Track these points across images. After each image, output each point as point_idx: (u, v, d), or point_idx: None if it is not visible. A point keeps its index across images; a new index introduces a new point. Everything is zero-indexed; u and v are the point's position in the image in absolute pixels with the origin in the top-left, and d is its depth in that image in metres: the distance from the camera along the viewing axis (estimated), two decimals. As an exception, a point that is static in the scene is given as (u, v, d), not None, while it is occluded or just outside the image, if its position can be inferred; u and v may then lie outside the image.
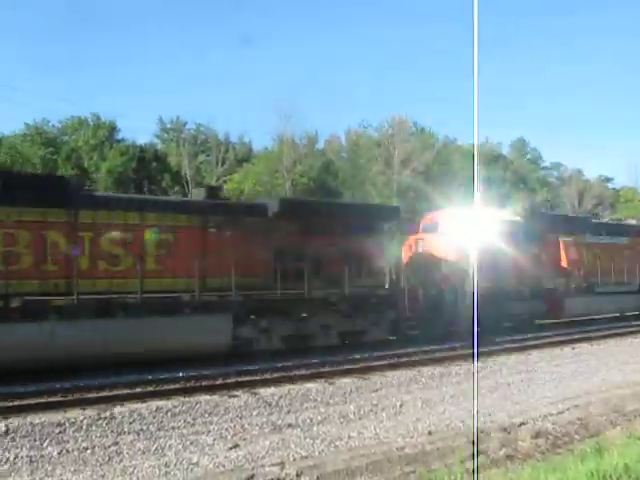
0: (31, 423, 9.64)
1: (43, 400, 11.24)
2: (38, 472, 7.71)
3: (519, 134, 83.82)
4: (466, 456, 8.24)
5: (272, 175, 50.75)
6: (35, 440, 8.93)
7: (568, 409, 11.22)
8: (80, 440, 8.99)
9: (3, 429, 9.28)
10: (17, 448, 8.58)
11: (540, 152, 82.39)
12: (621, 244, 28.20)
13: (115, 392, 12.00)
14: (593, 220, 32.00)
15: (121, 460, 8.18)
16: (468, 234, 19.89)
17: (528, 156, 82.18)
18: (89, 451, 8.51)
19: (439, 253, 21.21)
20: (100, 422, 9.83)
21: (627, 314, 28.52)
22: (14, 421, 9.73)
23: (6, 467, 7.90)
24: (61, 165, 45.04)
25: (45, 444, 8.78)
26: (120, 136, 51.97)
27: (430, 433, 9.56)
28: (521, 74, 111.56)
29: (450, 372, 14.80)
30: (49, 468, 7.85)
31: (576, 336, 21.30)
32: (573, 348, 18.98)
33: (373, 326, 18.75)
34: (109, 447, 8.69)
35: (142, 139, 64.58)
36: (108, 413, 10.31)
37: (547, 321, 25.38)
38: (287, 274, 16.89)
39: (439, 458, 8.45)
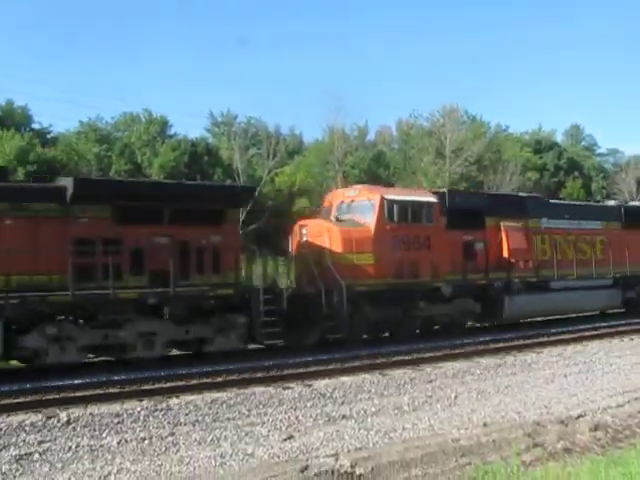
0: (91, 414, 9.89)
1: (102, 391, 11.53)
2: (98, 461, 7.90)
3: (574, 121, 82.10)
4: (523, 448, 8.11)
5: (323, 167, 50.75)
6: (95, 430, 9.16)
7: (628, 402, 10.94)
8: (138, 430, 9.18)
9: (65, 419, 9.54)
10: (78, 437, 8.82)
11: (595, 139, 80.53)
12: (594, 230, 23.41)
13: (171, 384, 12.21)
14: (553, 201, 26.50)
15: (178, 450, 8.32)
16: (362, 218, 17.65)
17: (583, 143, 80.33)
18: (147, 441, 8.67)
19: (323, 242, 17.06)
20: (157, 413, 10.01)
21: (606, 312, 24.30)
22: (75, 411, 9.99)
23: (69, 455, 8.12)
24: (115, 161, 45.89)
25: (104, 434, 9.00)
26: (172, 131, 52.74)
27: (485, 425, 9.44)
28: (577, 59, 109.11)
29: (505, 363, 14.60)
30: (109, 457, 8.04)
31: (637, 327, 20.60)
32: (632, 339, 18.48)
33: (218, 334, 15.04)
34: (166, 437, 8.84)
35: (193, 133, 65.50)
36: (164, 404, 10.50)
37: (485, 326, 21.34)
38: (90, 271, 13.81)
39: (495, 450, 8.34)
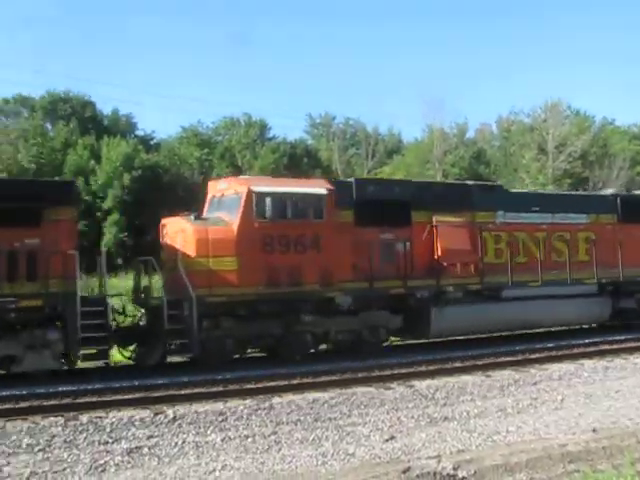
0: (196, 411, 10.19)
1: (205, 390, 11.85)
2: (203, 457, 8.11)
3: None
4: (637, 457, 7.71)
5: (422, 166, 50.32)
6: (200, 427, 9.41)
7: None
8: (241, 428, 9.36)
9: (171, 416, 9.87)
10: (184, 434, 9.09)
11: None
12: (576, 224, 19.03)
13: (273, 383, 12.39)
14: (516, 191, 22.50)
15: (280, 449, 8.42)
16: (228, 215, 14.73)
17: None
18: (250, 439, 8.83)
19: (177, 244, 14.55)
20: (259, 412, 10.18)
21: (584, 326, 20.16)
22: (180, 409, 10.33)
23: (175, 450, 8.38)
24: (216, 164, 47.20)
25: (209, 431, 9.23)
26: (271, 134, 53.78)
27: (594, 430, 9.05)
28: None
29: (614, 365, 13.96)
30: (213, 454, 8.24)
31: None
32: None
33: (29, 352, 12.81)
34: (268, 436, 8.97)
35: (292, 135, 66.52)
36: (267, 404, 10.67)
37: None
38: None
39: (606, 458, 7.96)
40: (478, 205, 17.56)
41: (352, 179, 17.48)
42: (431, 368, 13.76)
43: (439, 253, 16.47)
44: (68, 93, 49.97)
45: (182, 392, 11.59)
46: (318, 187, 15.58)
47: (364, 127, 54.38)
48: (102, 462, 7.81)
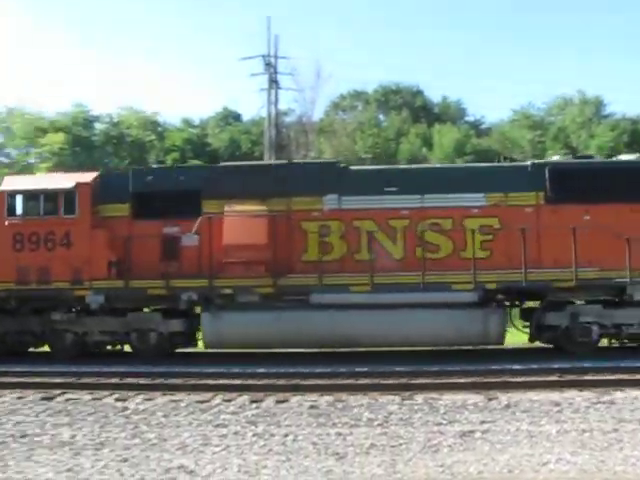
0: (530, 399, 9.95)
1: (540, 379, 11.49)
2: (537, 447, 7.85)
3: None
4: None
5: None
6: (534, 416, 9.15)
7: None
8: (578, 422, 8.87)
9: (505, 402, 9.80)
10: (517, 421, 8.92)
11: None
12: (461, 208, 14.18)
13: (614, 377, 11.54)
14: (359, 168, 17.13)
15: (622, 448, 7.78)
16: None
17: None
18: (587, 434, 8.32)
19: None
20: (598, 406, 9.58)
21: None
22: (514, 396, 10.19)
23: (508, 437, 8.25)
24: (549, 146, 45.48)
25: (543, 421, 8.92)
26: (608, 111, 50.05)
27: None
28: None
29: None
30: (548, 445, 7.93)
31: None
32: None
33: None
34: (608, 433, 8.37)
35: (633, 111, 60.84)
36: (607, 397, 9.98)
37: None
38: None
39: None
40: (297, 189, 14.48)
41: (130, 170, 16.25)
42: None
43: (219, 249, 14.15)
44: (399, 85, 53.10)
45: (517, 379, 11.42)
46: (67, 182, 14.88)
47: None
48: (435, 442, 8.01)
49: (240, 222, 14.25)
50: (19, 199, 14.84)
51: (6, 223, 14.73)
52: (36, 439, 8.37)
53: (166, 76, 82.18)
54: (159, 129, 48.19)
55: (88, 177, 15.24)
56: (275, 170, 15.45)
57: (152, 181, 15.14)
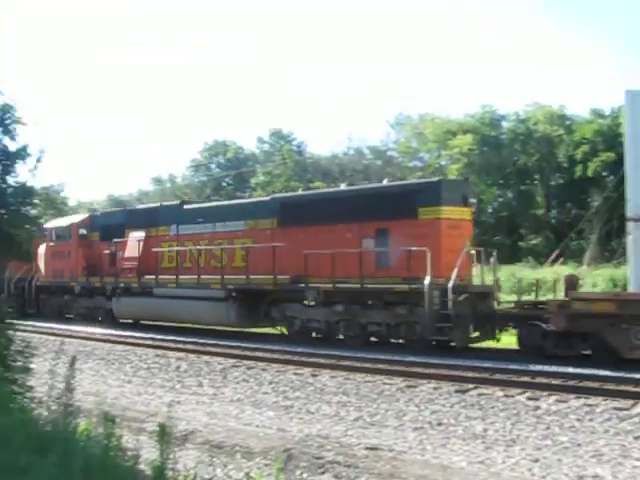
0: None
1: None
2: None
3: None
4: None
5: None
6: None
7: None
8: None
9: None
10: None
11: None
12: (232, 232, 19.53)
13: None
14: (189, 207, 22.07)
15: None
16: None
17: None
18: None
19: None
20: None
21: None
22: None
23: None
24: None
25: None
26: None
27: None
28: None
29: None
30: None
31: None
32: None
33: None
34: None
35: None
36: None
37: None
38: None
39: None
40: (160, 221, 21.74)
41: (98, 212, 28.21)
42: None
43: (120, 260, 22.41)
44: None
45: None
46: (67, 222, 26.37)
47: None
48: None
49: (129, 243, 22.28)
50: (53, 232, 25.42)
51: (48, 245, 25.54)
52: (450, 428, 8.72)
53: (571, 66, 78.92)
54: (567, 122, 46.46)
55: (79, 218, 25.82)
56: (151, 210, 23.34)
57: (107, 218, 24.87)
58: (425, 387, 11.37)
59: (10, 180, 7.92)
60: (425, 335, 14.78)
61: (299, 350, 15.39)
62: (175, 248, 20.67)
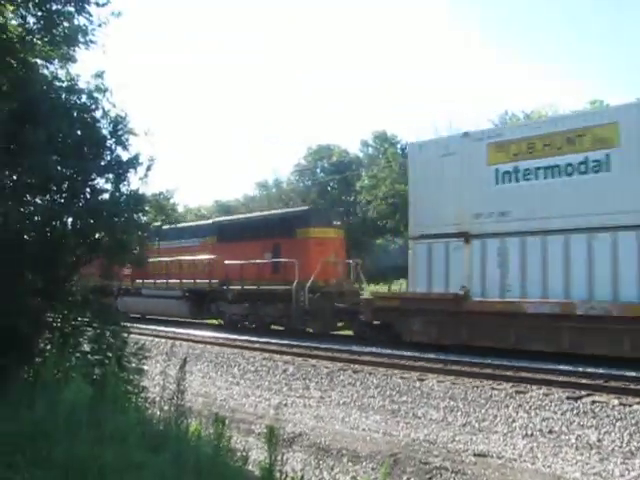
0: None
1: None
2: None
3: None
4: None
5: None
6: None
7: None
8: None
9: None
10: None
11: None
12: (191, 247, 25.45)
13: None
14: (170, 227, 20.25)
15: None
16: None
17: None
18: None
19: None
20: None
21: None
22: None
23: None
24: None
25: None
26: None
27: None
28: None
29: None
30: None
31: None
32: None
33: None
34: None
35: None
36: None
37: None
38: None
39: None
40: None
41: None
42: None
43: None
44: None
45: None
46: None
47: None
48: None
49: None
50: None
51: None
52: (562, 437, 8.41)
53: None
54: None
55: None
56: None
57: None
58: (535, 393, 11.00)
59: (123, 188, 8.28)
60: (294, 325, 19.74)
61: (406, 354, 15.30)
62: (156, 259, 23.30)
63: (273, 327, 21.33)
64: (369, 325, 17.83)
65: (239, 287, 21.65)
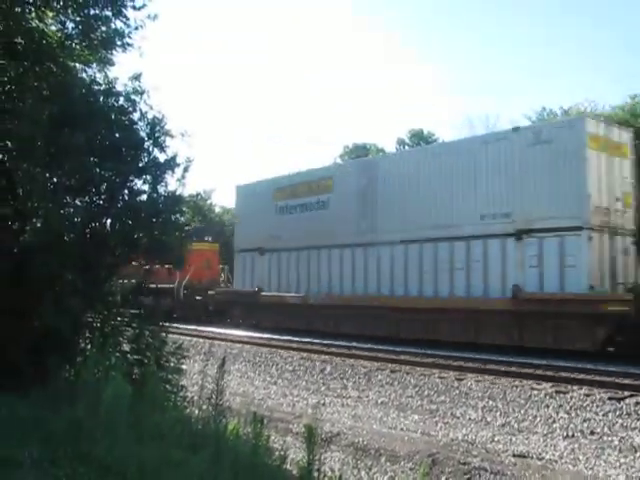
0: None
1: None
2: None
3: None
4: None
5: None
6: None
7: None
8: None
9: None
10: None
11: None
12: None
13: None
14: None
15: None
16: None
17: None
18: None
19: None
20: None
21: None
22: None
23: None
24: None
25: None
26: None
27: None
28: None
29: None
30: None
31: None
32: None
33: None
34: None
35: None
36: None
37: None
38: None
39: None
40: None
41: None
42: None
43: None
44: None
45: None
46: None
47: None
48: None
49: None
50: None
51: None
52: (605, 438, 8.25)
53: None
54: None
55: None
56: None
57: None
58: (576, 393, 10.81)
59: (160, 189, 8.37)
60: (177, 314, 23.63)
61: (444, 354, 15.19)
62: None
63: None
64: (212, 311, 26.78)
65: (153, 286, 27.96)
